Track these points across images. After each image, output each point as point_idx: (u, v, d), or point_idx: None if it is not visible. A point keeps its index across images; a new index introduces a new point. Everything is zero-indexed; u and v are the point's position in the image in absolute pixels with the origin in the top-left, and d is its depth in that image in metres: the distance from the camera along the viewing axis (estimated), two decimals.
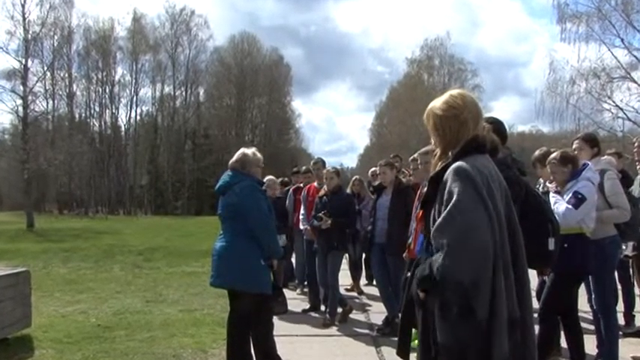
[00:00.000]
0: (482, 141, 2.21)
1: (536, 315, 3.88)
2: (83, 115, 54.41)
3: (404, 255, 4.84)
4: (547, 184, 4.77)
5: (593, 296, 4.57)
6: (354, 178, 8.34)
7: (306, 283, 7.73)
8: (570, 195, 4.08)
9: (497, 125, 3.24)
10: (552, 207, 4.03)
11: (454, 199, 2.02)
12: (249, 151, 4.42)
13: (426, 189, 2.28)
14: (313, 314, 6.73)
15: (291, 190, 8.28)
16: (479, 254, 1.96)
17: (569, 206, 4.03)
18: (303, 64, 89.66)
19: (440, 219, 2.05)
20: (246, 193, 4.17)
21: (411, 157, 5.86)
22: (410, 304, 2.34)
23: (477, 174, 2.05)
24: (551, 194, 4.26)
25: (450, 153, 2.21)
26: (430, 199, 2.23)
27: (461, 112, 2.17)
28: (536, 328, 3.61)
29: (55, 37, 42.13)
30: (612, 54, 21.77)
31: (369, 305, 7.29)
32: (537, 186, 5.33)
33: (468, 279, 1.96)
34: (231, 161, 4.40)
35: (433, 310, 2.11)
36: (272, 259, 4.32)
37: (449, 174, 2.08)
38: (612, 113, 22.17)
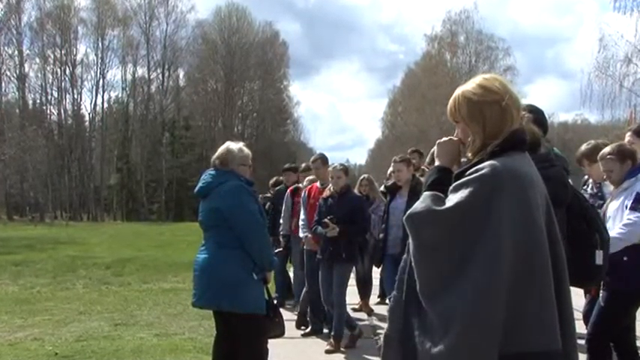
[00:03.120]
0: (523, 136, 2.18)
1: (583, 342, 3.89)
2: (38, 101, 54.72)
3: None
4: (607, 184, 4.74)
5: None
6: (361, 178, 8.33)
7: None
8: (632, 199, 4.06)
9: (536, 115, 3.24)
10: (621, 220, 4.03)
11: (463, 193, 2.02)
12: (235, 146, 4.44)
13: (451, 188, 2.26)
14: (315, 338, 6.74)
15: (288, 191, 8.28)
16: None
17: (638, 214, 4.00)
18: (302, 41, 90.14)
19: (437, 208, 2.06)
20: (233, 195, 4.18)
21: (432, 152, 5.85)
22: None
23: (511, 180, 2.01)
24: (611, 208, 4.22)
25: (488, 148, 2.14)
26: None
27: (502, 97, 2.13)
28: (583, 357, 3.60)
29: (0, 6, 42.25)
30: None
31: (381, 328, 7.28)
32: (584, 187, 5.31)
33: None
34: (213, 158, 4.43)
35: None
36: (265, 273, 4.33)
37: (480, 167, 2.05)
38: None
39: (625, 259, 3.90)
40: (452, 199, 2.04)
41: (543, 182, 2.19)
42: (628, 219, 4.02)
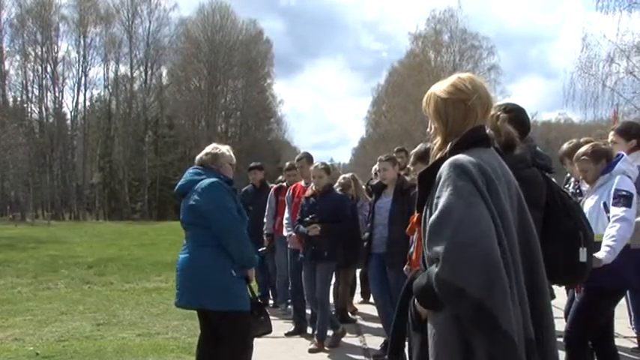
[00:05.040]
0: (483, 132, 2.25)
1: (562, 340, 3.92)
2: (19, 99, 54.14)
3: (405, 268, 4.89)
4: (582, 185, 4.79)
5: (633, 317, 4.59)
6: (344, 177, 8.32)
7: (289, 300, 7.74)
8: (611, 197, 4.03)
9: (516, 113, 3.24)
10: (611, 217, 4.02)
11: (446, 195, 2.02)
12: (224, 147, 4.50)
13: (417, 187, 2.31)
14: (299, 337, 6.74)
15: (272, 189, 8.29)
16: (482, 256, 1.93)
17: (623, 208, 3.97)
18: (286, 39, 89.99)
19: (431, 221, 2.04)
20: (209, 191, 4.18)
21: None
22: (402, 322, 2.35)
23: (477, 169, 2.06)
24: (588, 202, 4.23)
25: (449, 145, 2.22)
26: (424, 199, 2.24)
27: (469, 97, 2.21)
28: (563, 355, 3.64)
29: None
30: None
31: (365, 327, 7.32)
32: (567, 185, 5.37)
33: (474, 286, 1.92)
34: (199, 155, 4.43)
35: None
36: (246, 270, 4.32)
37: (443, 168, 2.11)
38: None
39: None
40: (443, 189, 2.05)
41: (519, 183, 2.25)
42: (616, 214, 3.97)
